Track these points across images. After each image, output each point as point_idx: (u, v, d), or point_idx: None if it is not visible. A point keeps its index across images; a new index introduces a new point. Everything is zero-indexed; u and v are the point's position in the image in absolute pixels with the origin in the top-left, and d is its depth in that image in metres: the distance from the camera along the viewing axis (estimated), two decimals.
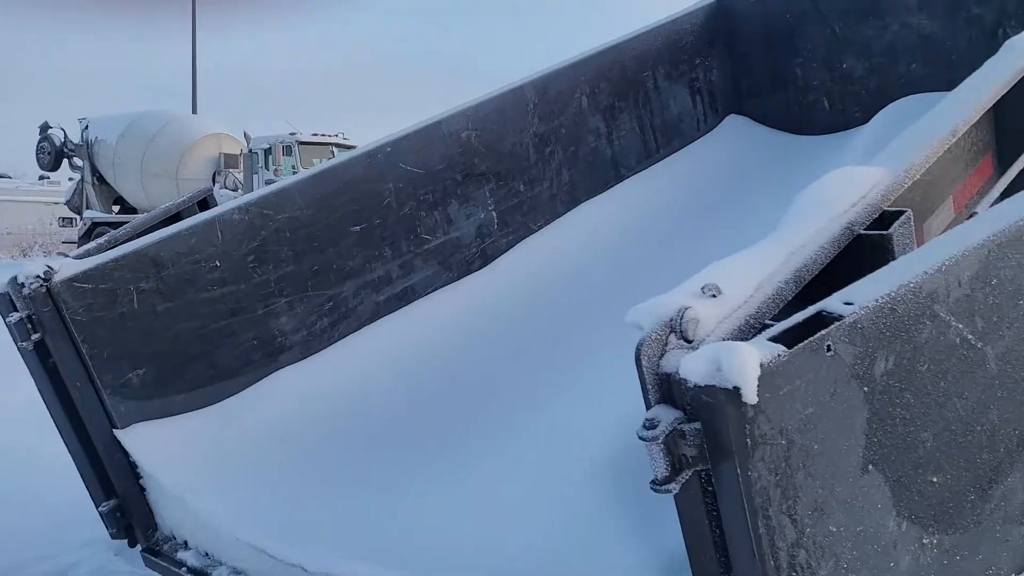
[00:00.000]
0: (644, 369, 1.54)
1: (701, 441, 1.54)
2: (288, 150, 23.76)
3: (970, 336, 1.69)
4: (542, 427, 3.90)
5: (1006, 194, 3.04)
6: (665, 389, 1.56)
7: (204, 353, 4.08)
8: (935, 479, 1.73)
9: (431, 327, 4.86)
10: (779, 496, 1.53)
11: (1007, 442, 1.81)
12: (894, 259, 2.01)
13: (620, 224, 5.91)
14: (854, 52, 6.53)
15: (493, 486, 3.50)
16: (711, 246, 5.36)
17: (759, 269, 1.77)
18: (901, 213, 2.05)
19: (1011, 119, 2.97)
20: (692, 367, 1.47)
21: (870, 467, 1.64)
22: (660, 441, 1.52)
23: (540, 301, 5.15)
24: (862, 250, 2.00)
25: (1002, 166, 3.03)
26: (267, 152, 24.07)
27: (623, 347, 4.54)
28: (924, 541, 1.75)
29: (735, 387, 1.43)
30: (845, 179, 2.07)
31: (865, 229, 2.02)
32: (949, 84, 6.14)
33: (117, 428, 3.73)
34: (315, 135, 24.49)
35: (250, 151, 24.49)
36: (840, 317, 1.54)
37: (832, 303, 1.58)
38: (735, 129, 7.17)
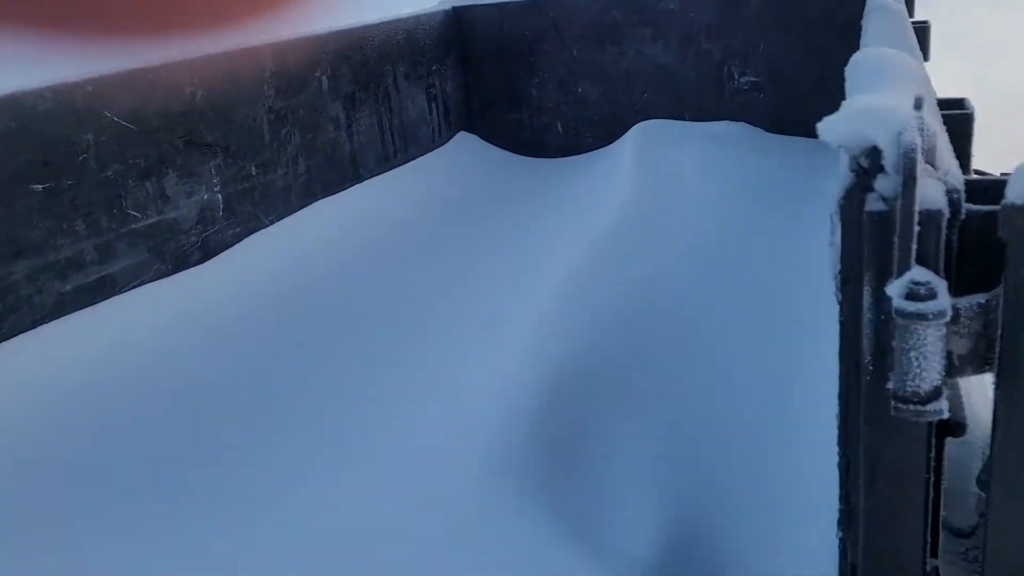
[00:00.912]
0: (909, 204, 0.86)
1: (986, 321, 0.90)
2: None
3: None
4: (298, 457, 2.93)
5: None
6: (927, 240, 0.90)
7: None
8: None
9: (135, 331, 3.63)
10: None
11: None
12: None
13: (359, 231, 5.11)
14: (590, 77, 6.50)
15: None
16: (445, 269, 4.86)
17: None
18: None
19: None
20: None
21: None
22: (947, 320, 0.85)
23: (278, 307, 4.15)
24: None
25: None
26: None
27: (371, 365, 3.75)
28: None
29: None
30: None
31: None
32: (678, 114, 6.41)
33: None
34: None
35: None
36: None
37: None
38: (467, 147, 6.78)
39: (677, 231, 3.84)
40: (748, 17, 6.00)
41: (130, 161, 3.83)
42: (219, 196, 4.36)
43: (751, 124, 6.06)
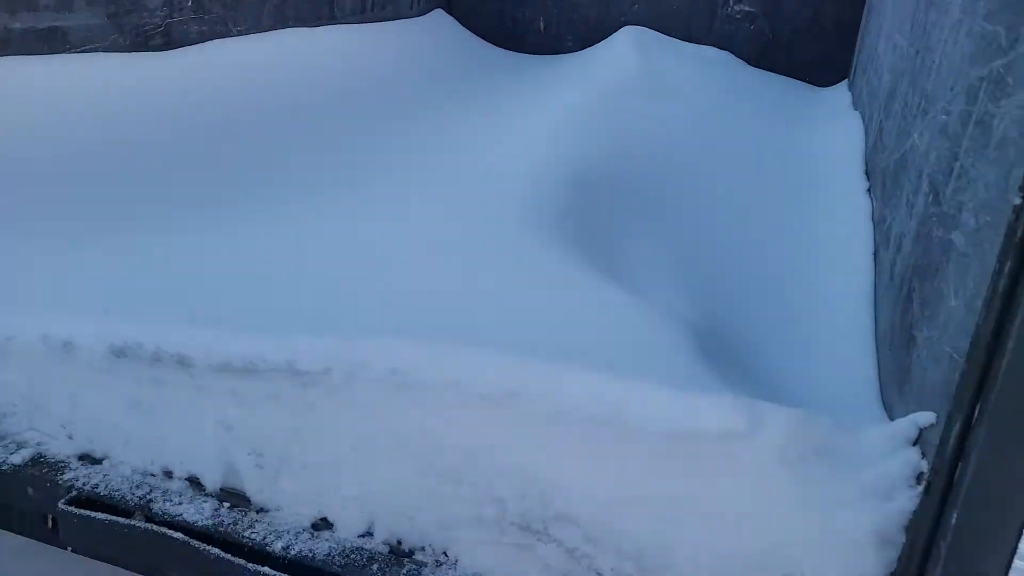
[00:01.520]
0: None
1: None
2: None
3: None
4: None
5: None
6: None
7: None
8: None
9: (90, 90, 3.27)
10: None
11: None
12: None
13: (336, 69, 4.77)
14: None
15: None
16: (409, 128, 4.60)
17: None
18: None
19: None
20: None
21: None
22: None
23: (240, 118, 3.82)
24: None
25: None
26: None
27: (383, 154, 3.51)
28: None
29: None
30: None
31: None
32: (666, 31, 6.26)
33: None
34: None
35: None
36: None
37: None
38: (443, 25, 6.47)
39: (686, 102, 3.73)
40: None
41: None
42: None
43: (736, 55, 5.98)
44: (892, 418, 1.60)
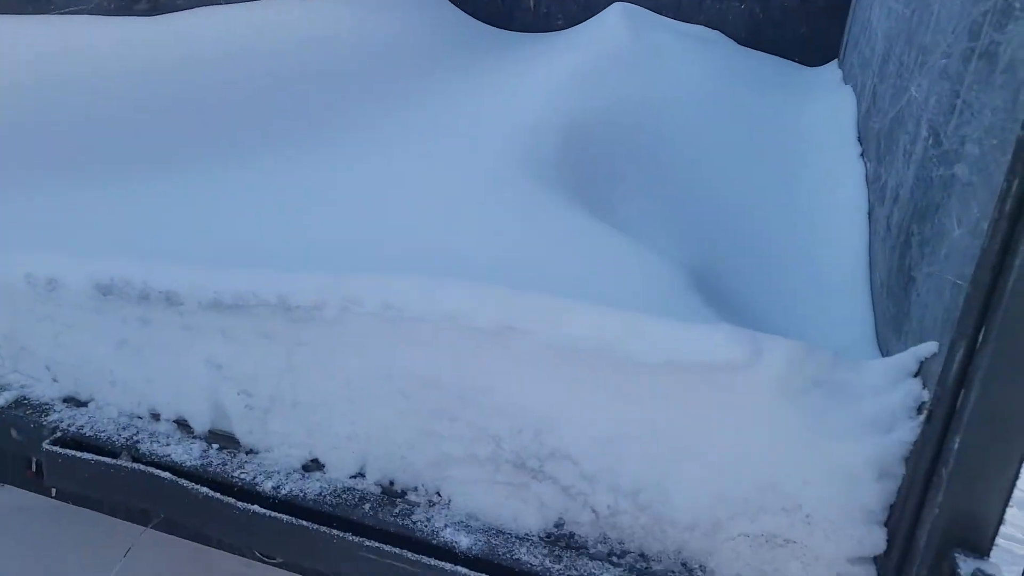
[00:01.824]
0: None
1: None
2: None
3: None
4: None
5: None
6: None
7: None
8: None
9: (80, 51, 3.22)
10: None
11: None
12: None
13: (321, 42, 4.71)
14: None
15: None
16: (401, 95, 4.57)
17: None
18: None
19: None
20: None
21: None
22: None
23: (225, 85, 3.76)
24: None
25: None
26: None
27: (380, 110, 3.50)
28: None
29: None
30: None
31: None
32: (656, 9, 6.24)
33: None
34: None
35: None
36: None
37: None
38: (432, 2, 6.42)
39: (678, 75, 3.70)
40: None
41: None
42: None
43: (726, 35, 5.96)
44: None
